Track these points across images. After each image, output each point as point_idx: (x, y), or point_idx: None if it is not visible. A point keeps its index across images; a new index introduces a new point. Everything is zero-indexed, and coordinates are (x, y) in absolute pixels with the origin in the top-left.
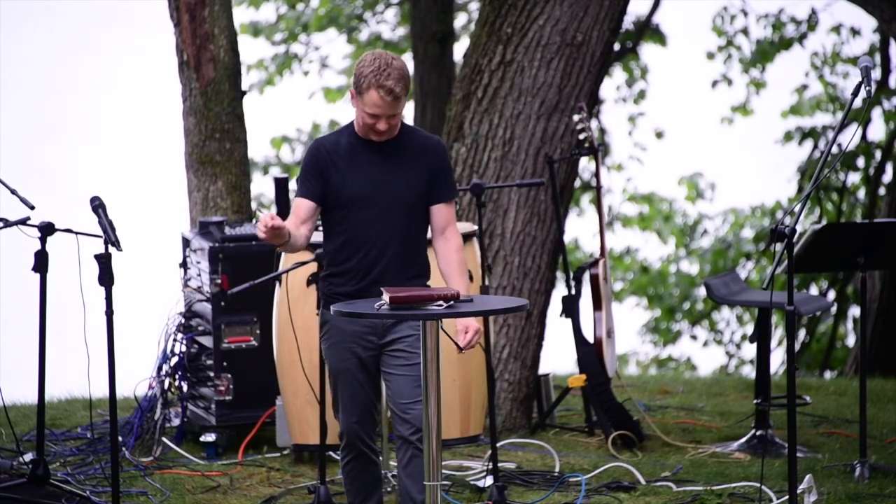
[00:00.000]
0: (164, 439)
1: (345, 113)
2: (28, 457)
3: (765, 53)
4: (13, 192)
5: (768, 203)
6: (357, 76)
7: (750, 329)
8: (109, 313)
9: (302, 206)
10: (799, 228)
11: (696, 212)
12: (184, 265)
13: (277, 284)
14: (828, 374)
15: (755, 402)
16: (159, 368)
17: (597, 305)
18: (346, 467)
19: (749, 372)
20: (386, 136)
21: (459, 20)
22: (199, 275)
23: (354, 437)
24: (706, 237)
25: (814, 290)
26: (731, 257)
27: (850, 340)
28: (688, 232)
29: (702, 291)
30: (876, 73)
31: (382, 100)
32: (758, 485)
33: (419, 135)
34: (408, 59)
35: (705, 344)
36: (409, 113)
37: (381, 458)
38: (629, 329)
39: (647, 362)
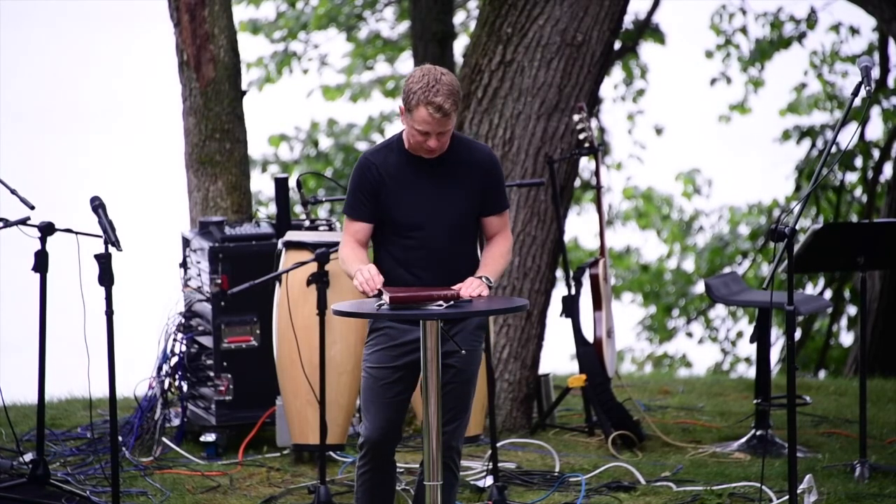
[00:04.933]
0: (164, 439)
1: (344, 111)
2: (28, 457)
3: (763, 52)
4: (13, 192)
5: (765, 201)
6: (406, 93)
7: (743, 325)
8: (109, 313)
9: (362, 231)
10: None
11: (693, 208)
12: (184, 265)
13: (277, 284)
14: (822, 374)
15: (755, 402)
16: (159, 368)
17: (597, 305)
18: (361, 477)
19: (745, 370)
20: (437, 153)
21: (458, 17)
22: (199, 275)
23: (375, 447)
24: (702, 234)
25: (809, 290)
26: (728, 254)
27: (845, 339)
28: (683, 228)
29: (698, 289)
30: (875, 72)
31: (432, 116)
32: (758, 485)
33: (471, 148)
34: (407, 59)
35: (700, 341)
36: None
37: (398, 474)
38: (625, 326)
39: (643, 359)
